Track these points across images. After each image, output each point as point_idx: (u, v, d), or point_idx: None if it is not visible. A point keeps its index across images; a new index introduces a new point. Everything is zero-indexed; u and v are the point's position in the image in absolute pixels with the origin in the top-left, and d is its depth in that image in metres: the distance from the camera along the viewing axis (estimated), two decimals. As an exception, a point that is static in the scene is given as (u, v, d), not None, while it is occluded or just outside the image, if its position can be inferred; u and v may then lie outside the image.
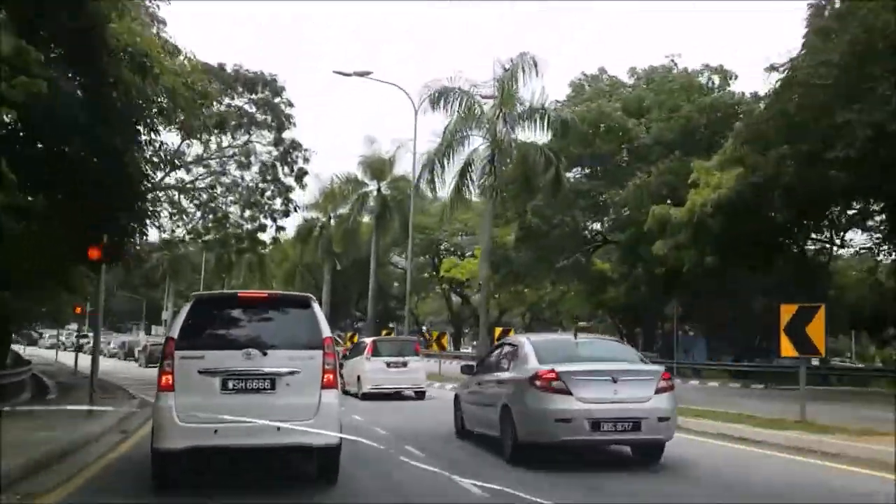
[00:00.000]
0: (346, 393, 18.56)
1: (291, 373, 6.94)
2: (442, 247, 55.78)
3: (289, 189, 27.37)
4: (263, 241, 28.74)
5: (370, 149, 37.46)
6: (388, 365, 18.57)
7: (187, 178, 27.61)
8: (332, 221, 44.33)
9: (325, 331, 7.21)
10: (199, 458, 6.98)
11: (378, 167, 37.49)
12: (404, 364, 18.71)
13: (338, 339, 35.58)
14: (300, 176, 27.45)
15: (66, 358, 34.33)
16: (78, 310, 27.09)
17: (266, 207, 27.16)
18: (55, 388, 21.06)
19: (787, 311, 11.83)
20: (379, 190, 38.66)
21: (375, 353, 18.91)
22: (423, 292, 57.40)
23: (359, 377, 18.74)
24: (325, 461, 7.19)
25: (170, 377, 6.79)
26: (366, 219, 42.66)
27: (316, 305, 7.50)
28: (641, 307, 32.96)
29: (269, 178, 27.58)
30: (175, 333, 7.00)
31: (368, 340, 20.51)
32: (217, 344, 7.06)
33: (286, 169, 27.50)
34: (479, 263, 26.46)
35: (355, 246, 42.16)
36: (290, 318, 7.44)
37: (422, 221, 39.66)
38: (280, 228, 27.74)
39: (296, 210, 27.87)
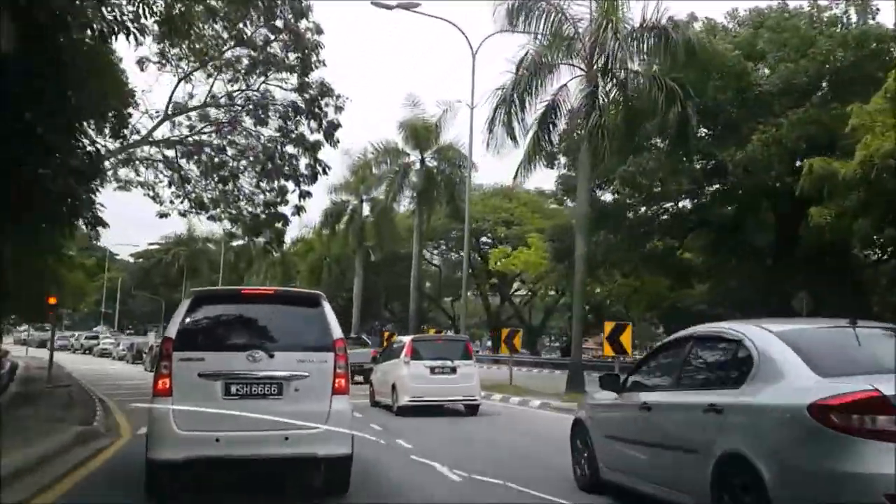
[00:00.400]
0: (376, 405, 16.17)
1: (300, 377, 6.41)
2: (482, 239, 51.49)
3: (316, 146, 21.42)
4: (284, 214, 22.71)
5: (412, 112, 31.13)
6: (433, 370, 15.00)
7: (187, 133, 21.98)
8: (366, 205, 38.58)
9: (337, 331, 6.72)
10: (199, 469, 6.34)
11: (422, 133, 31.22)
12: (452, 370, 15.04)
13: (367, 341, 30.15)
14: (331, 130, 21.45)
15: (66, 360, 32.40)
16: (52, 300, 21.34)
17: (286, 168, 21.24)
18: (11, 396, 16.84)
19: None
20: (422, 161, 32.50)
21: (415, 355, 15.25)
22: (459, 291, 52.40)
23: (394, 385, 15.23)
24: (335, 473, 6.60)
25: (167, 381, 6.27)
26: (402, 207, 37.03)
27: (326, 304, 6.90)
28: (756, 302, 26.61)
29: (292, 134, 21.73)
30: (173, 333, 6.45)
31: (406, 340, 16.60)
32: (219, 345, 6.56)
33: (313, 123, 21.61)
34: (576, 235, 20.19)
35: (391, 231, 36.15)
36: (299, 318, 6.91)
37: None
38: (305, 194, 21.65)
39: (325, 172, 21.82)
